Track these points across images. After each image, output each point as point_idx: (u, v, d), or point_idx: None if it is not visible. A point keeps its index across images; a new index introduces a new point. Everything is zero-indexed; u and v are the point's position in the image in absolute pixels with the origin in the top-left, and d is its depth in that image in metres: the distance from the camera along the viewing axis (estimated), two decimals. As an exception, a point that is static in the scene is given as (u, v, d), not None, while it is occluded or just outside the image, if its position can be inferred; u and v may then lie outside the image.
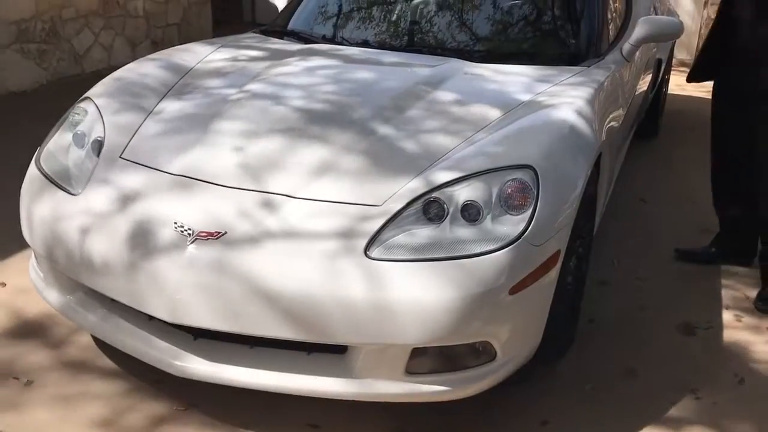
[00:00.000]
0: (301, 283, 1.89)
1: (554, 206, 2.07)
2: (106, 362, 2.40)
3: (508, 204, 2.03)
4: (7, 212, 2.83)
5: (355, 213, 2.03)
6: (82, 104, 2.58)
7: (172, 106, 2.55)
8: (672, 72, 5.67)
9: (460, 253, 1.93)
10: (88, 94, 2.64)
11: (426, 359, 1.98)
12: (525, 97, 2.53)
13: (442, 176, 2.08)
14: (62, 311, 2.31)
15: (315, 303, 1.88)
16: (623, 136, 3.40)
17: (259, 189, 2.11)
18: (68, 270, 2.20)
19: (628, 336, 2.68)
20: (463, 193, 2.03)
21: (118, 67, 2.87)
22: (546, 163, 2.11)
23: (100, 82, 2.73)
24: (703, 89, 3.69)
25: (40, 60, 5.54)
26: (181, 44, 3.24)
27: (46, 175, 2.36)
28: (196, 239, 1.98)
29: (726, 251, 3.21)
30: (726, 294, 2.99)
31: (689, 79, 3.18)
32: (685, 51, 7.26)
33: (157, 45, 6.63)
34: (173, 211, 2.08)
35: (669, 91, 5.50)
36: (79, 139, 2.45)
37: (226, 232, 1.99)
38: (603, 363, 2.51)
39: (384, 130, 2.33)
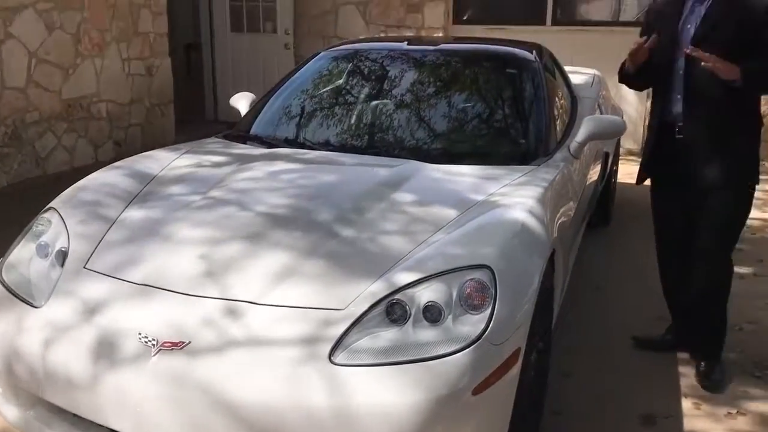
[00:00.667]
0: (263, 394, 1.91)
1: (512, 303, 2.14)
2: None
3: (468, 303, 2.09)
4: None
5: (318, 317, 2.07)
6: (46, 215, 2.61)
7: (135, 214, 2.59)
8: (621, 161, 5.93)
9: (424, 355, 1.97)
10: (51, 204, 2.67)
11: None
12: (479, 197, 2.64)
13: (404, 278, 2.14)
14: (21, 428, 2.26)
15: (277, 413, 1.89)
16: (576, 228, 3.53)
17: (221, 296, 2.14)
18: (29, 385, 2.17)
19: (591, 429, 2.71)
20: (425, 294, 2.09)
21: (80, 169, 2.93)
22: (502, 262, 2.19)
23: (64, 192, 2.77)
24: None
25: (1, 164, 5.56)
26: (143, 144, 3.32)
27: (7, 288, 2.36)
28: (160, 350, 1.99)
29: (680, 338, 3.31)
30: (684, 382, 3.06)
31: (638, 182, 3.32)
32: (632, 140, 7.62)
33: (120, 146, 6.71)
34: (137, 321, 2.09)
35: (618, 180, 5.73)
36: (42, 250, 2.47)
37: (189, 342, 2.01)
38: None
39: (346, 232, 2.40)
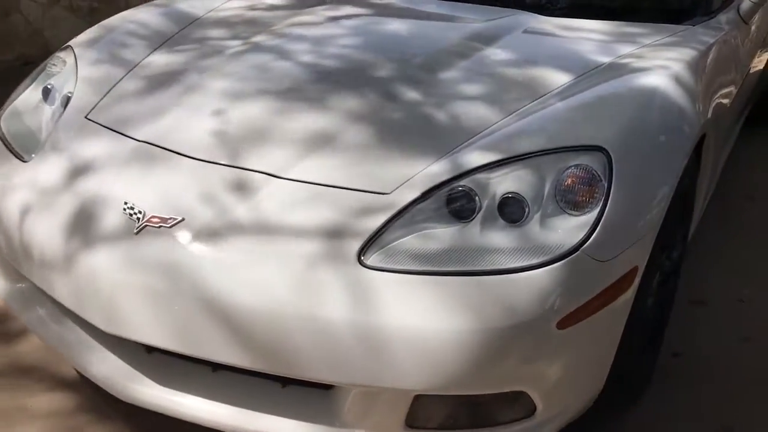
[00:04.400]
0: (269, 298, 1.39)
1: (633, 205, 1.49)
2: (60, 369, 1.98)
3: (567, 200, 1.46)
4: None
5: (353, 202, 1.50)
6: (62, 53, 2.16)
7: (159, 60, 2.08)
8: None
9: (491, 267, 1.37)
10: (70, 42, 2.21)
11: (435, 410, 1.45)
12: (605, 59, 1.92)
13: (477, 158, 1.53)
14: (7, 302, 1.90)
15: (285, 326, 1.38)
16: (733, 119, 2.72)
17: (234, 164, 1.61)
18: (9, 256, 1.78)
19: (724, 379, 2.05)
20: (504, 183, 1.47)
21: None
22: (624, 146, 1.53)
23: (88, 29, 2.30)
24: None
25: (91, 18, 5.25)
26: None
27: (2, 137, 1.95)
28: (144, 226, 1.51)
29: None
30: None
31: None
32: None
33: None
34: (127, 187, 1.62)
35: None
36: (49, 94, 2.03)
37: (182, 219, 1.51)
38: (688, 419, 1.90)
39: (410, 94, 1.78)
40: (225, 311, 1.41)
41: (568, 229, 1.42)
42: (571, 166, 1.48)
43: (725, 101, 2.22)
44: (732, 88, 2.35)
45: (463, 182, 1.49)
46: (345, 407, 1.46)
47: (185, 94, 1.87)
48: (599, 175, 1.47)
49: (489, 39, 2.05)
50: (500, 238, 1.42)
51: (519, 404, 1.46)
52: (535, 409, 1.46)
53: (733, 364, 2.10)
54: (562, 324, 1.37)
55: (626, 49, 1.98)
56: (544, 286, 1.35)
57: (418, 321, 1.34)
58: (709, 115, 1.92)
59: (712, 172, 2.29)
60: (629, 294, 1.49)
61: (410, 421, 1.44)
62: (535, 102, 1.71)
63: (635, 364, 1.74)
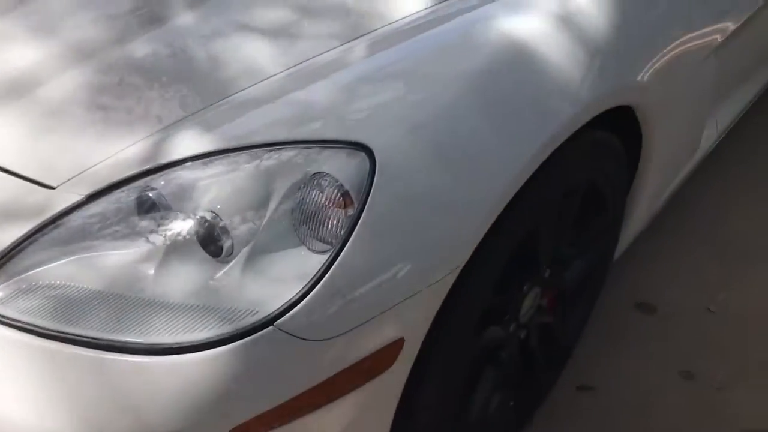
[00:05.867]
0: None
1: (402, 244, 0.94)
2: None
3: (305, 228, 0.92)
4: None
5: (12, 194, 1.01)
6: None
7: None
8: None
9: (135, 340, 0.86)
10: None
11: None
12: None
13: (190, 143, 0.99)
14: None
15: None
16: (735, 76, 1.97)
17: None
18: None
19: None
20: (210, 191, 0.94)
21: None
22: (406, 145, 0.95)
23: None
24: None
25: None
26: None
27: None
28: None
29: None
30: None
31: None
32: None
33: None
34: None
35: None
36: None
37: None
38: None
39: (146, 47, 1.21)
40: None
41: (282, 280, 0.89)
42: (315, 174, 0.93)
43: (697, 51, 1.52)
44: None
45: (155, 182, 0.96)
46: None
47: None
48: (348, 193, 0.91)
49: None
50: (180, 283, 0.91)
51: None
52: None
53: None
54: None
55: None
56: (203, 377, 0.85)
57: (14, 415, 0.87)
58: (643, 77, 1.27)
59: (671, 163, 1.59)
60: (387, 383, 0.96)
61: None
62: (324, 55, 1.12)
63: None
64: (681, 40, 1.35)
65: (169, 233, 0.92)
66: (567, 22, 1.13)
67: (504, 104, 1.04)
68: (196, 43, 1.17)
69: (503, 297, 1.21)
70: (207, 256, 0.92)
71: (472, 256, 0.99)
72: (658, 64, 1.28)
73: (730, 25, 1.56)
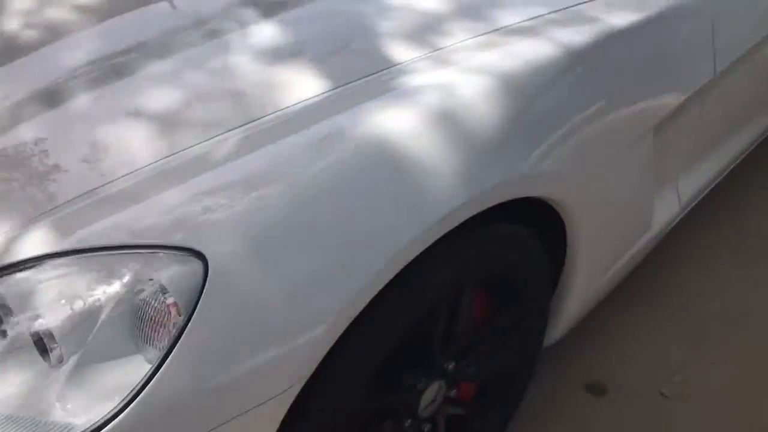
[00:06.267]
0: None
1: (223, 366, 0.91)
2: None
3: (145, 333, 0.90)
4: None
5: None
6: None
7: None
8: None
9: None
10: None
11: None
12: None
13: (45, 239, 0.98)
14: None
15: None
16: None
17: None
18: None
19: None
20: (47, 293, 0.93)
21: None
22: (240, 249, 0.92)
23: None
24: None
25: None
26: None
27: None
28: None
29: None
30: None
31: None
32: None
33: None
34: None
35: None
36: None
37: None
38: None
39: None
40: None
41: (103, 392, 0.87)
42: (149, 280, 0.91)
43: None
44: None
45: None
46: None
47: None
48: (175, 302, 0.89)
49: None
50: (11, 390, 0.89)
51: None
52: None
53: None
54: None
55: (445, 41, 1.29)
56: None
57: None
58: (546, 167, 1.20)
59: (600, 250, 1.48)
60: None
61: None
62: (194, 148, 1.09)
63: None
64: (597, 124, 1.28)
65: (6, 338, 0.91)
66: (446, 116, 1.09)
67: (365, 207, 1.00)
68: (80, 128, 1.17)
69: (394, 394, 1.17)
70: (43, 363, 0.90)
71: (329, 363, 0.95)
72: (566, 151, 1.22)
73: (674, 100, 1.49)
